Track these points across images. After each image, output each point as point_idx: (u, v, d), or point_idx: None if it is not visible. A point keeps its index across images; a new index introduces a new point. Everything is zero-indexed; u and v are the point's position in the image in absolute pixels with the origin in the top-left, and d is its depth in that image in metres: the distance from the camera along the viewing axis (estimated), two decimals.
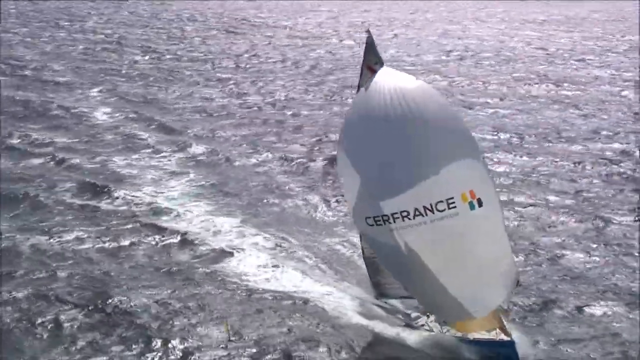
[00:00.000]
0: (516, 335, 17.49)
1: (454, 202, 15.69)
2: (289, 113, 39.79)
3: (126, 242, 21.95)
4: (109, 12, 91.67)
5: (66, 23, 78.02)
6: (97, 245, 21.64)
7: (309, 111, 40.29)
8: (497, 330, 17.46)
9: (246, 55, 59.44)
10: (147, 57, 57.53)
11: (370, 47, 17.47)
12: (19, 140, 32.54)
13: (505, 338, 17.09)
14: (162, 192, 26.65)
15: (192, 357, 16.16)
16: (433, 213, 15.69)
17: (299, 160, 30.84)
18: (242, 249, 21.75)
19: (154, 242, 22.06)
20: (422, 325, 18.46)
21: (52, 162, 29.67)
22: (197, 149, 31.90)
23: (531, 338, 18.21)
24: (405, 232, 15.96)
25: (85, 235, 22.19)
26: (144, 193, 26.37)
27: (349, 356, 17.14)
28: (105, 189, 26.13)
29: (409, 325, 18.52)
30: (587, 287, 20.22)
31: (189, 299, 18.59)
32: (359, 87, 17.39)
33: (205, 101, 42.37)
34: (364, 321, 18.63)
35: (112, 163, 29.95)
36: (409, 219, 15.76)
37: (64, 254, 20.98)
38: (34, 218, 23.54)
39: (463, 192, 15.72)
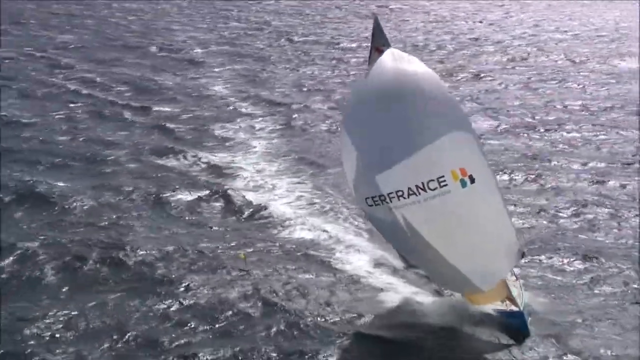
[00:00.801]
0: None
1: (444, 181, 15.93)
2: None
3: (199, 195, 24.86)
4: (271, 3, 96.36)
5: (235, 13, 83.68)
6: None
7: None
8: (506, 301, 17.59)
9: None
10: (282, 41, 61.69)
11: (377, 30, 18.03)
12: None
13: (515, 309, 17.25)
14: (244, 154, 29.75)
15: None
16: (425, 192, 15.96)
17: None
18: (294, 205, 24.21)
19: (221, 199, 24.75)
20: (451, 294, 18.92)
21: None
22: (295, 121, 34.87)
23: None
24: (403, 211, 16.26)
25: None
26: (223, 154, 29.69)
27: (366, 316, 17.99)
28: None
29: (438, 292, 19.02)
30: None
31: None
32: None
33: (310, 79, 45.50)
34: (389, 282, 19.70)
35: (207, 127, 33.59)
36: (404, 198, 16.04)
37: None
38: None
39: (453, 169, 15.95)
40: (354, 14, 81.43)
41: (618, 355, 16.48)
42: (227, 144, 31.15)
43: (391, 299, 18.95)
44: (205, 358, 15.83)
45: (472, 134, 16.60)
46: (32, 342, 16.03)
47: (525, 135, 32.92)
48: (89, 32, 64.76)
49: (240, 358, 15.99)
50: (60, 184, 25.34)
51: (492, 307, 17.69)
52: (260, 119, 35.16)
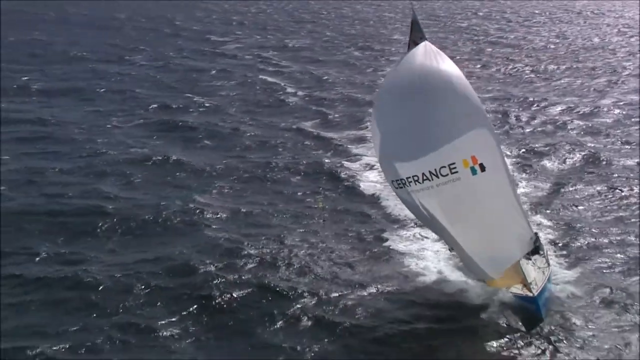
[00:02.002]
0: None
1: (455, 168, 16.87)
2: None
3: None
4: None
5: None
6: None
7: None
8: (521, 286, 18.48)
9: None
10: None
11: (415, 24, 19.22)
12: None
13: (529, 294, 18.01)
14: None
15: None
16: (438, 178, 16.98)
17: None
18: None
19: None
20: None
21: None
22: None
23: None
24: (419, 195, 17.40)
25: None
26: None
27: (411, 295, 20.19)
28: None
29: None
30: None
31: None
32: None
33: None
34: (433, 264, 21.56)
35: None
36: (419, 182, 17.15)
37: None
38: None
39: (464, 158, 16.83)
40: None
41: None
42: None
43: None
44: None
45: (491, 131, 17.47)
46: None
47: None
48: None
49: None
50: None
51: (510, 290, 18.73)
52: None
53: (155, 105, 43.11)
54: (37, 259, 21.99)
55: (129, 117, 40.31)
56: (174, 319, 18.73)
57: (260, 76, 53.89)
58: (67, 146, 34.30)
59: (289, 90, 49.27)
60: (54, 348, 17.23)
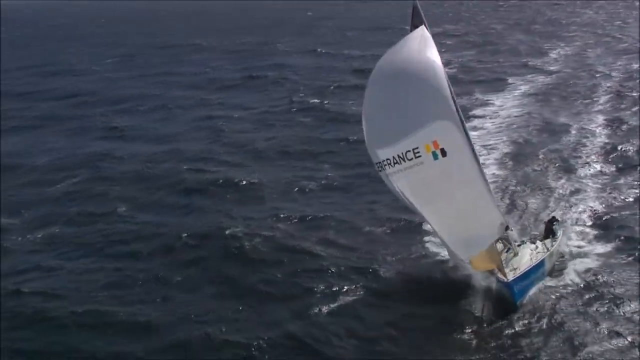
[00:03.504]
0: None
1: (419, 152, 17.34)
2: None
3: None
4: None
5: None
6: None
7: None
8: (497, 271, 18.95)
9: None
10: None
11: (415, 9, 19.50)
12: None
13: (504, 279, 18.65)
14: None
15: None
16: (405, 161, 17.50)
17: None
18: None
19: None
20: None
21: None
22: None
23: None
24: (393, 178, 17.92)
25: None
26: None
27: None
28: None
29: None
30: None
31: None
32: None
33: None
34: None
35: None
36: (391, 166, 17.71)
37: None
38: None
39: (427, 142, 17.24)
40: None
41: None
42: None
43: None
44: None
45: (454, 118, 17.57)
46: None
47: None
48: None
49: None
50: None
51: (492, 273, 19.17)
52: None
53: None
54: None
55: None
56: None
57: None
58: None
59: None
60: None
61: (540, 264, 20.22)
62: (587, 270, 21.31)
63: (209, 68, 69.63)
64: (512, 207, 26.99)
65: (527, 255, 20.63)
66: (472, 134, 36.48)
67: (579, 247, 23.04)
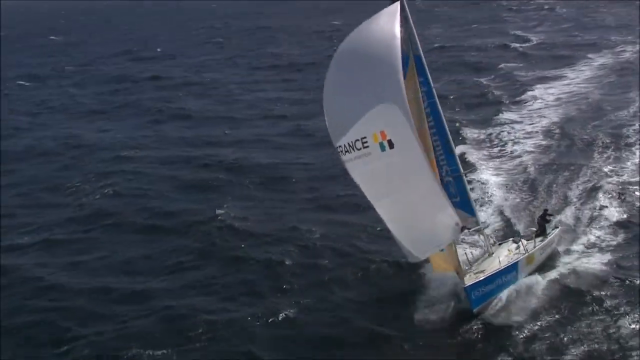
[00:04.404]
0: None
1: (367, 142, 16.09)
2: None
3: None
4: None
5: None
6: None
7: None
8: (456, 273, 18.10)
9: None
10: None
11: None
12: None
13: (462, 283, 17.65)
14: None
15: None
16: (354, 151, 16.27)
17: None
18: None
19: None
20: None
21: None
22: None
23: None
24: (347, 167, 16.74)
25: None
26: None
27: None
28: None
29: None
30: None
31: None
32: None
33: None
34: None
35: None
36: (343, 154, 16.52)
37: None
38: None
39: (374, 132, 15.94)
40: None
41: None
42: None
43: None
44: None
45: (405, 109, 15.98)
46: None
47: None
48: None
49: None
50: None
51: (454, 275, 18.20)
52: None
53: None
54: None
55: None
56: None
57: None
58: None
59: None
60: None
61: (512, 267, 18.87)
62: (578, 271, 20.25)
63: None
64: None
65: (502, 257, 19.38)
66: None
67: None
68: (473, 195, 22.40)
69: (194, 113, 46.70)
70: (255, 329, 19.03)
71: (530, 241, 20.63)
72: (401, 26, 16.81)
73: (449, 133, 19.07)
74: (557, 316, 18.09)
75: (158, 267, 23.46)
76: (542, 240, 20.67)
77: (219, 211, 27.23)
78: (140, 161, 36.14)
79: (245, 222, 26.30)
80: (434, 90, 18.58)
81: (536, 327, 17.69)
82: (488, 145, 33.95)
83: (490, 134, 35.39)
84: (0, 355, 18.74)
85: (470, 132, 35.71)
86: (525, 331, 17.52)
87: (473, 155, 31.96)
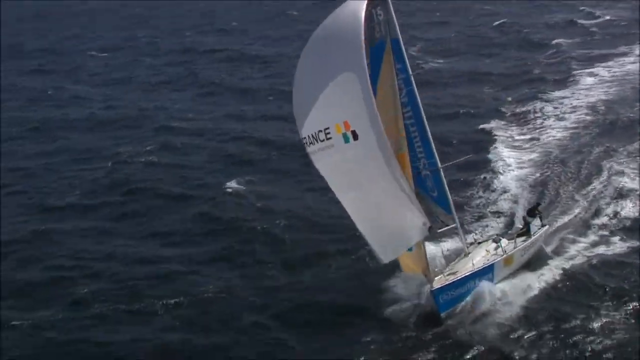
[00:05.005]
0: None
1: (329, 133, 15.42)
2: None
3: None
4: None
5: None
6: None
7: None
8: (423, 275, 17.55)
9: None
10: None
11: None
12: None
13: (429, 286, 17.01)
14: None
15: None
16: (317, 142, 15.60)
17: None
18: None
19: None
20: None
21: None
22: None
23: None
24: (313, 159, 16.16)
25: None
26: None
27: None
28: None
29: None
30: None
31: None
32: None
33: None
34: None
35: None
36: (307, 145, 15.95)
37: None
38: None
39: (337, 122, 15.26)
40: None
41: None
42: None
43: None
44: None
45: (370, 99, 15.33)
46: None
47: None
48: None
49: None
50: None
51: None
52: None
53: None
54: None
55: None
56: None
57: None
58: None
59: None
60: None
61: (487, 269, 17.97)
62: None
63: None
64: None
65: (478, 258, 18.43)
66: None
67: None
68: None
69: (254, 88, 46.99)
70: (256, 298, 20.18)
71: (511, 241, 19.47)
72: (377, 8, 16.24)
73: (426, 123, 17.79)
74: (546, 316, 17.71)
75: (178, 235, 24.94)
76: (524, 241, 19.54)
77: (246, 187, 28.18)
78: (184, 133, 37.49)
79: (272, 199, 27.20)
80: (412, 77, 17.39)
81: (524, 327, 17.25)
82: (528, 121, 34.45)
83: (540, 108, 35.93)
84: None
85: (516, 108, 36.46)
86: (516, 332, 17.12)
87: (508, 132, 32.73)
